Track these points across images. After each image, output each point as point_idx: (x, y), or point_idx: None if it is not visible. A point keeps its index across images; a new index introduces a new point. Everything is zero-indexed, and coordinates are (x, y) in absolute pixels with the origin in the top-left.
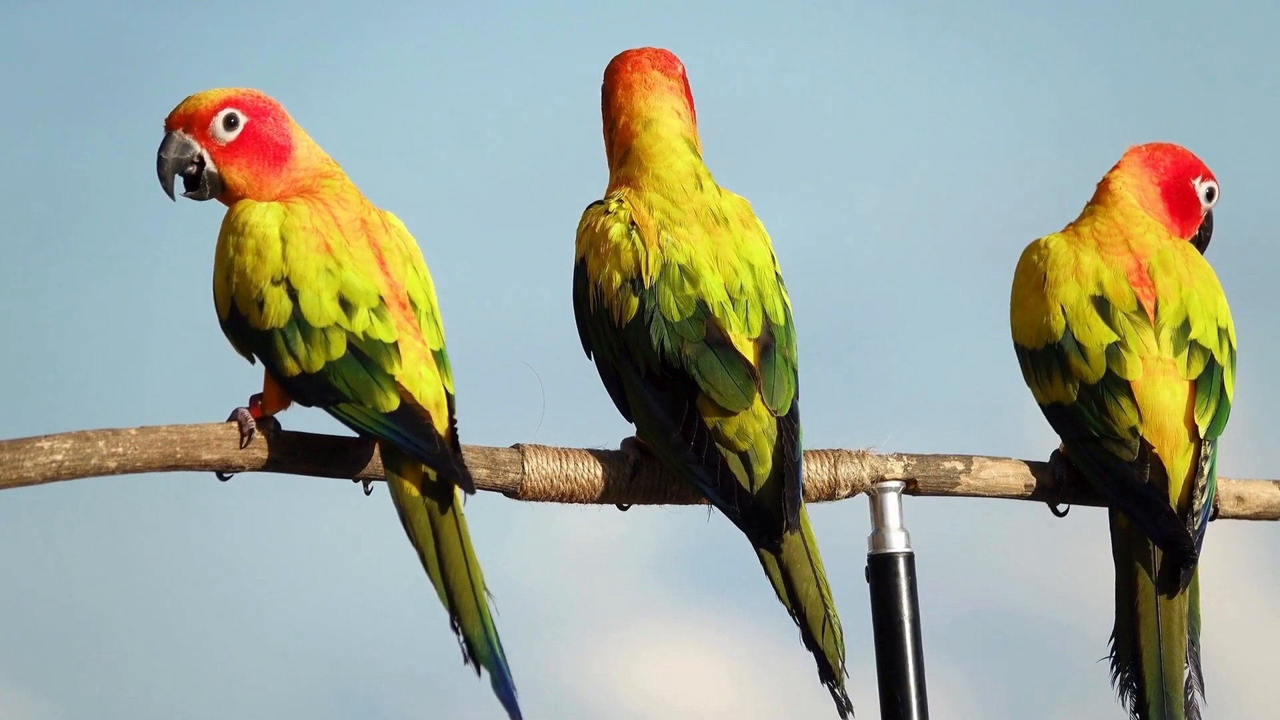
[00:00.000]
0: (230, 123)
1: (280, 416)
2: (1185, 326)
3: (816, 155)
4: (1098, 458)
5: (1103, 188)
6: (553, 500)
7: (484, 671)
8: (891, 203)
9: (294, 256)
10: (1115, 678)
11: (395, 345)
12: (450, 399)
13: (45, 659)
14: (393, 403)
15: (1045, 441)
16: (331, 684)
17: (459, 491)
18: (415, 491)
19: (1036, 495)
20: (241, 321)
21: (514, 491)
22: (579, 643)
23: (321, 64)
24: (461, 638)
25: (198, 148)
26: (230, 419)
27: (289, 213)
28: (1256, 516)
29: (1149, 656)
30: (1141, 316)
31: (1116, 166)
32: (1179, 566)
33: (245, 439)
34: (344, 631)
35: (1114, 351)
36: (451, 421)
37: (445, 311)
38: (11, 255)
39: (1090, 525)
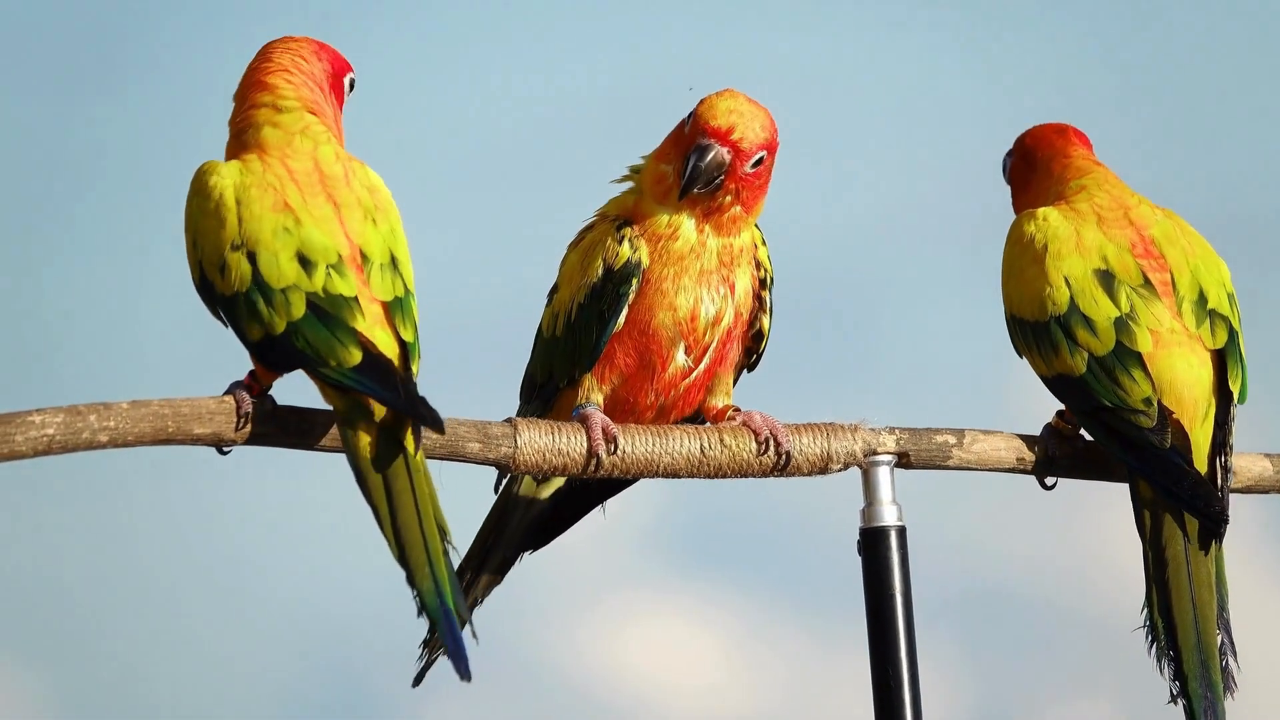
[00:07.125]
0: None
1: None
2: (1202, 298)
3: (810, 126)
4: (1114, 426)
5: (1096, 161)
6: (545, 474)
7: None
8: (884, 175)
9: (249, 218)
10: (1151, 647)
11: (356, 299)
12: (407, 348)
13: (35, 634)
14: (355, 357)
15: (1038, 414)
16: (322, 661)
17: (420, 454)
18: (368, 452)
19: (1029, 469)
20: (210, 287)
21: (506, 465)
22: (567, 614)
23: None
24: (414, 592)
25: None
26: (226, 393)
27: (245, 170)
28: (1247, 490)
29: (1184, 625)
30: (1149, 290)
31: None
32: (1211, 529)
33: (240, 422)
34: (335, 607)
35: (1123, 324)
36: (407, 372)
37: (446, 290)
38: (4, 231)
39: (1083, 499)
